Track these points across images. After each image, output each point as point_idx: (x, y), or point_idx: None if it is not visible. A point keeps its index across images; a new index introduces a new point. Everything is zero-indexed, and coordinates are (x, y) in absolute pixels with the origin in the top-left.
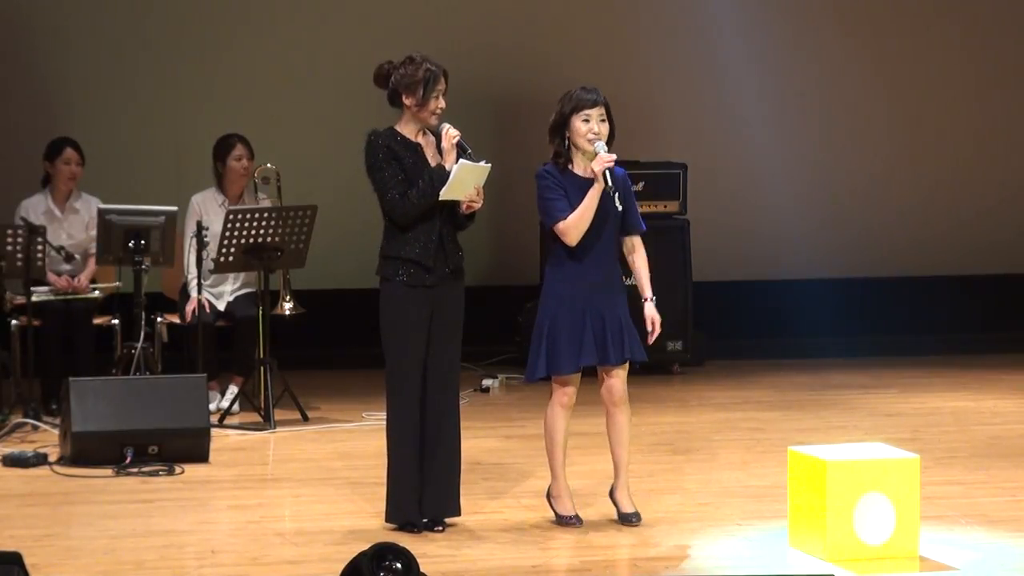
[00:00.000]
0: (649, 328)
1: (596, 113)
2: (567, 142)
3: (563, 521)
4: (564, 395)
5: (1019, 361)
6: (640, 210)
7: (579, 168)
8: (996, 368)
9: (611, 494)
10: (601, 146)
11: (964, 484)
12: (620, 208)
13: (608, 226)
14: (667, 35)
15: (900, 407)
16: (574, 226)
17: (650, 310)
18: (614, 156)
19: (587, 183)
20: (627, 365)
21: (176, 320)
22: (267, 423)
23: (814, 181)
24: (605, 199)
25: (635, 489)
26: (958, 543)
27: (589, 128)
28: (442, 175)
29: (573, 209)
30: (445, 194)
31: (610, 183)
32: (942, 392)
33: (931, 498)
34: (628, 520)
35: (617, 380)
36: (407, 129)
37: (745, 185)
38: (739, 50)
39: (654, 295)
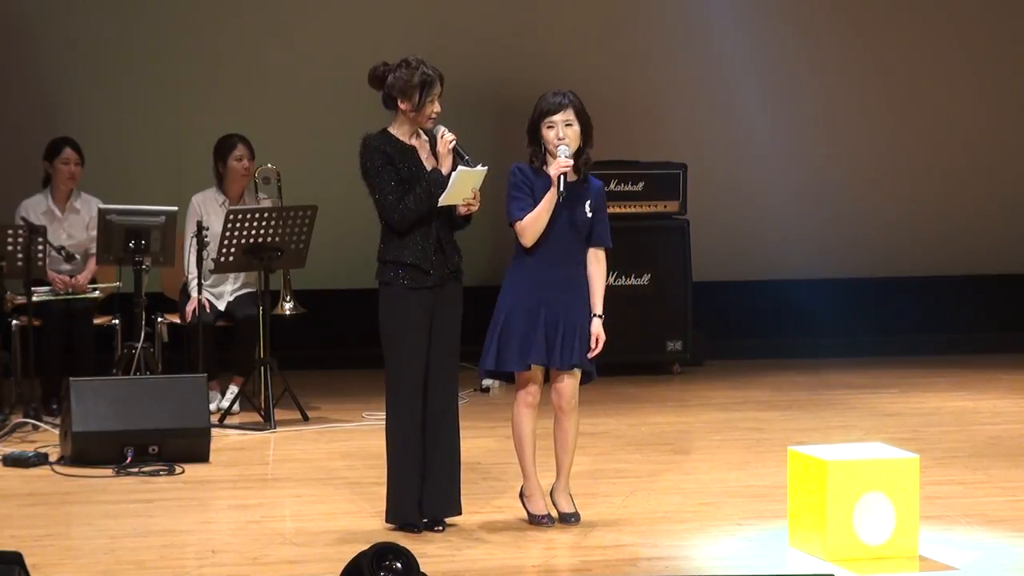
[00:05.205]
0: (593, 344)
1: (561, 119)
2: (541, 145)
3: (535, 520)
4: (528, 394)
5: (1019, 361)
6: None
7: (552, 169)
8: (996, 368)
9: (551, 494)
10: (564, 151)
11: (964, 484)
12: (590, 216)
13: (574, 232)
14: (667, 35)
15: (900, 407)
16: (528, 226)
17: (596, 327)
18: (571, 162)
19: None
20: (579, 371)
21: (176, 320)
22: (267, 423)
23: (814, 181)
24: (575, 204)
25: (636, 488)
26: (958, 543)
27: (554, 134)
28: (439, 180)
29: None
30: (443, 200)
31: (562, 188)
32: (942, 392)
33: (931, 498)
34: (567, 519)
35: (566, 385)
36: (401, 131)
37: (745, 185)
38: (739, 50)
39: (603, 314)
